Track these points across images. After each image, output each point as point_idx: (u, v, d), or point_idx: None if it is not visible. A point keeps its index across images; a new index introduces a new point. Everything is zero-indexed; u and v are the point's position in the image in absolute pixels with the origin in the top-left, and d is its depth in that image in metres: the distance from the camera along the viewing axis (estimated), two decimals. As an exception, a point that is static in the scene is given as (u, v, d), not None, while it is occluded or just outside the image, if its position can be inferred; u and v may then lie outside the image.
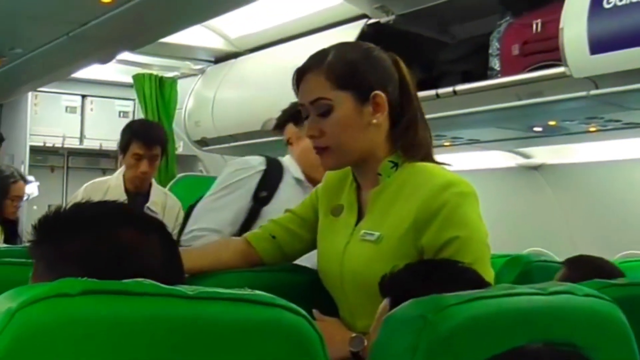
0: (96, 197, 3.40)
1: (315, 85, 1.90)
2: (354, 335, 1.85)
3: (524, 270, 2.65)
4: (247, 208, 2.61)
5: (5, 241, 4.38)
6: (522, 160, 5.08)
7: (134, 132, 3.68)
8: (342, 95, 1.87)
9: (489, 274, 1.76)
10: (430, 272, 1.46)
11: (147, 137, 3.68)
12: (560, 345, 0.93)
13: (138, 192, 3.73)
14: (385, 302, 1.46)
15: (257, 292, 1.14)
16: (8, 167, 4.68)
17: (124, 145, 3.67)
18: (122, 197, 3.57)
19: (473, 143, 4.55)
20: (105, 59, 3.41)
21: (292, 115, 3.34)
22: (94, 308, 1.01)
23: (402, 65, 1.95)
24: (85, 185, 3.80)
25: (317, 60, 1.91)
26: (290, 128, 3.36)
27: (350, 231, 1.94)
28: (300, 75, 1.93)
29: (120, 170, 3.79)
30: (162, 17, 2.47)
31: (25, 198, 4.59)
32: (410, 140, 1.91)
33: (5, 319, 0.97)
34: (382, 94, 1.88)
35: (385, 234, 1.85)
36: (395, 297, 1.40)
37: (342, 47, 1.96)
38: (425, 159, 1.93)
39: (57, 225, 1.30)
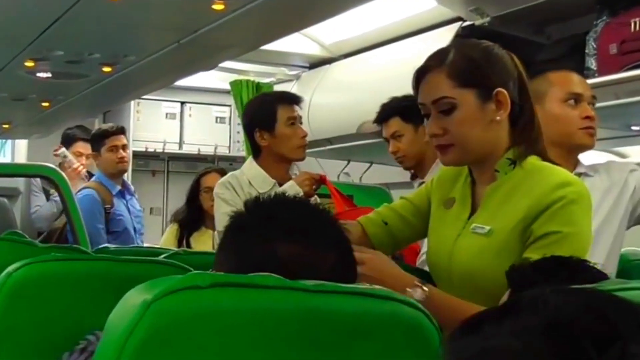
0: (242, 192, 3.21)
1: (437, 84, 1.89)
2: (415, 283, 1.82)
3: (622, 268, 2.65)
4: None
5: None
6: (619, 160, 4.97)
7: (277, 98, 3.32)
8: (465, 93, 1.87)
9: None
10: (555, 268, 1.46)
11: (293, 97, 3.33)
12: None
13: (282, 182, 3.24)
14: (507, 294, 1.47)
15: (376, 286, 1.15)
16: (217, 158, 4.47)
17: (269, 115, 3.21)
18: (271, 188, 3.15)
19: (569, 143, 4.47)
20: (209, 66, 3.46)
21: (397, 109, 3.34)
22: (223, 300, 1.05)
23: (518, 62, 1.94)
24: (222, 181, 3.26)
25: (438, 59, 1.91)
26: (396, 122, 3.37)
27: (462, 225, 1.94)
28: (421, 75, 1.93)
29: (249, 161, 3.32)
30: (265, 24, 2.50)
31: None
32: (530, 136, 1.91)
33: (141, 310, 1.01)
34: (505, 91, 1.87)
35: (496, 228, 1.85)
36: (519, 290, 1.40)
37: (462, 45, 1.98)
38: (541, 153, 1.92)
39: (236, 218, 1.33)
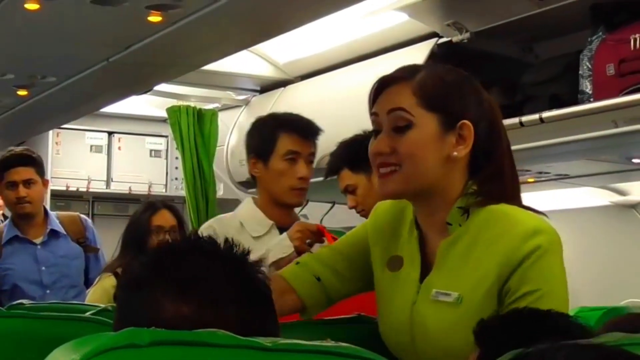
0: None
1: (399, 95, 1.91)
2: None
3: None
4: None
5: None
6: (617, 198, 5.04)
7: (282, 122, 3.17)
8: (427, 116, 1.89)
9: None
10: (525, 323, 1.48)
11: (304, 127, 3.16)
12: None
13: (283, 226, 3.05)
14: (473, 355, 1.48)
15: (342, 344, 1.15)
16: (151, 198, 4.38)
17: (266, 141, 3.11)
18: (267, 231, 3.09)
19: (561, 179, 4.54)
20: (143, 88, 3.46)
21: (345, 159, 3.33)
22: (165, 361, 1.03)
23: (496, 105, 1.99)
24: (204, 227, 3.26)
25: (407, 73, 1.94)
26: (346, 174, 3.34)
27: (415, 287, 1.95)
28: (383, 85, 1.95)
29: (246, 200, 3.31)
30: (210, 40, 2.52)
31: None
32: (494, 191, 1.93)
33: (68, 373, 0.99)
34: (470, 125, 1.90)
35: (465, 294, 1.87)
36: (487, 350, 1.42)
37: (437, 66, 2.02)
38: (501, 199, 1.93)
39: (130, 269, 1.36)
